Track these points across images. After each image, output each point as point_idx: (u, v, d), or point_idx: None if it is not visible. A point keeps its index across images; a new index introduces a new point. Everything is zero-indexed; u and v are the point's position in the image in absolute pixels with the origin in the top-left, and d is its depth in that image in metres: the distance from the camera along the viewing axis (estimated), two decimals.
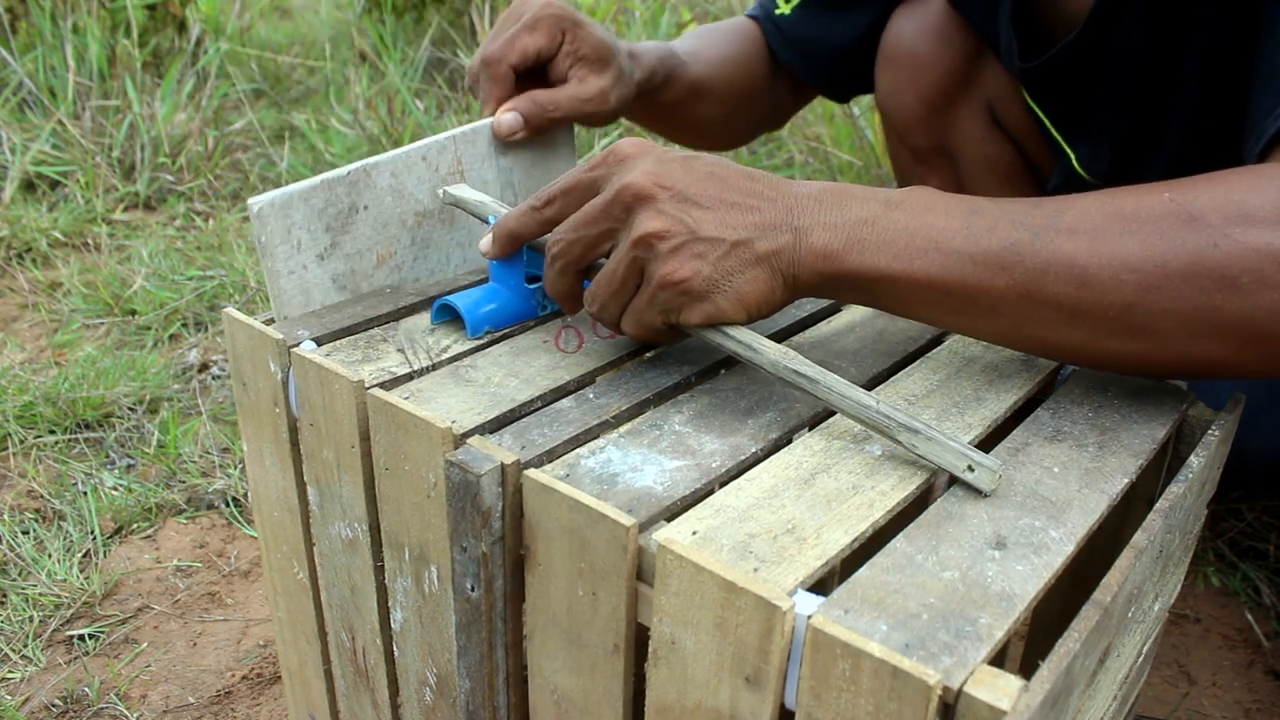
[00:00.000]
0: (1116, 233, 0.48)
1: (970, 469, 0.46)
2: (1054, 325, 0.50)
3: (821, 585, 0.41)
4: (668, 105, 0.93)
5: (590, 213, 0.53)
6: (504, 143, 0.72)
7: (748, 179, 0.53)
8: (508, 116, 0.72)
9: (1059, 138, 0.93)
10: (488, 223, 0.63)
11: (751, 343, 0.52)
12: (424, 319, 0.63)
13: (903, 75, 1.00)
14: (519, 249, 0.61)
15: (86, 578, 1.02)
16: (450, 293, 0.63)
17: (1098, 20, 0.81)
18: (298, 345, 0.57)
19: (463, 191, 0.66)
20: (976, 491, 0.46)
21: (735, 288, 0.51)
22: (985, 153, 1.01)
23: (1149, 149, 0.85)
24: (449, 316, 0.62)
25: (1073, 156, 0.92)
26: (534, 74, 0.75)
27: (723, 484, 0.47)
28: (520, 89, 0.73)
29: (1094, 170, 0.90)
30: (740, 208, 0.51)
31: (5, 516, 1.10)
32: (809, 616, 0.37)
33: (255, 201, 0.59)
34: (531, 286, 0.62)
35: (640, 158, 0.53)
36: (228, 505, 1.14)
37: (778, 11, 1.04)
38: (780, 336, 0.62)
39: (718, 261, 0.51)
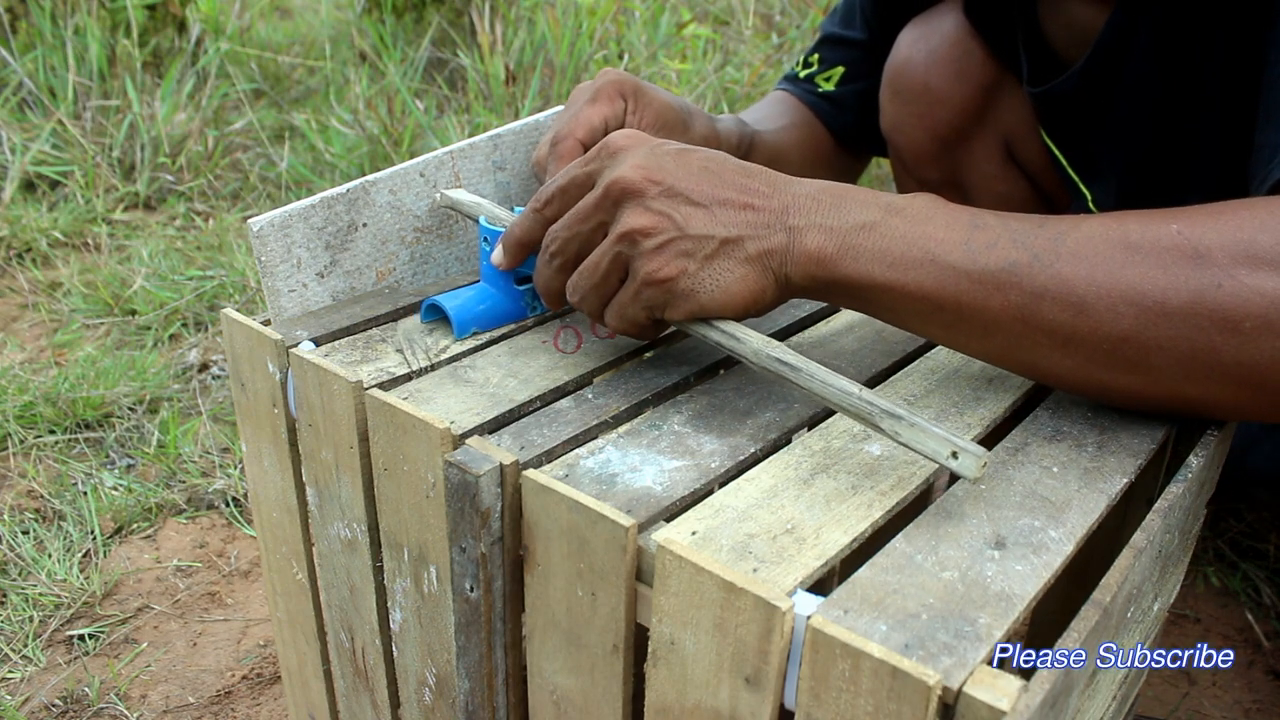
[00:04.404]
0: (1119, 262, 0.47)
1: (954, 455, 0.44)
2: (1047, 351, 0.49)
3: (821, 585, 0.41)
4: None
5: (583, 209, 0.53)
6: (501, 156, 0.72)
7: (744, 175, 0.52)
8: None
9: (1074, 177, 0.89)
10: (478, 222, 0.63)
11: (734, 332, 0.51)
12: None
13: (914, 110, 0.95)
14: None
15: (86, 578, 1.02)
16: (443, 292, 0.63)
17: (1104, 48, 0.77)
18: (296, 346, 0.57)
19: (458, 194, 0.66)
20: (963, 478, 0.45)
21: (723, 286, 0.50)
22: (998, 190, 0.97)
23: (1164, 193, 0.80)
24: (438, 316, 0.62)
25: (1089, 197, 0.88)
26: None
27: (722, 484, 0.47)
28: None
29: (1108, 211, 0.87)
30: (733, 204, 0.50)
31: (5, 516, 1.10)
32: (808, 617, 0.37)
33: (255, 221, 0.59)
34: (521, 288, 0.62)
35: (633, 150, 0.52)
36: (228, 505, 1.14)
37: (823, 89, 1.01)
38: (779, 336, 0.62)
39: (705, 260, 0.50)
